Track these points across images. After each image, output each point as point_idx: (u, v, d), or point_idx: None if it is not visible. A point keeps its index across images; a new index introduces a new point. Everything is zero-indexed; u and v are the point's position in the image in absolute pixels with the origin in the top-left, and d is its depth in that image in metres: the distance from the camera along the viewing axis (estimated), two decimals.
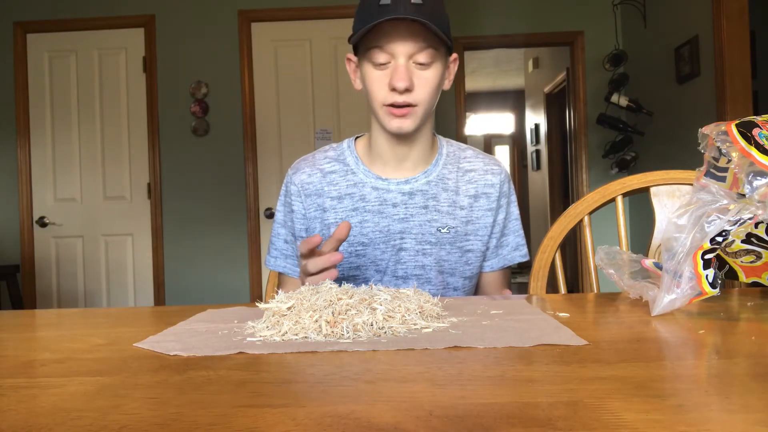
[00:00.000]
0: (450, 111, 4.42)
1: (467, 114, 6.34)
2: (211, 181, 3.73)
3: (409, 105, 0.96)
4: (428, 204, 1.05)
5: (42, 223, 3.73)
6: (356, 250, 1.05)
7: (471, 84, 7.95)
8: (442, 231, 1.05)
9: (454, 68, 1.05)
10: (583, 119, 4.41)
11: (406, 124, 0.97)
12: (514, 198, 1.13)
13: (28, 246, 3.73)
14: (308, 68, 3.68)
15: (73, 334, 0.67)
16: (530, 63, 6.52)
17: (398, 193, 1.05)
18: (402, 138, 1.02)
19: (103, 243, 3.77)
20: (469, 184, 1.08)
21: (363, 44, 0.97)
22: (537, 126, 6.53)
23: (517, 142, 8.79)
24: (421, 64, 0.95)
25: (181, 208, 3.73)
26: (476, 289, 1.15)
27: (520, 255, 1.12)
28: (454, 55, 1.04)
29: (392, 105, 0.96)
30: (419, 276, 1.05)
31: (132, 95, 3.76)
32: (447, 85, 1.04)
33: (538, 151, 6.59)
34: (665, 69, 3.69)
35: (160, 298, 3.74)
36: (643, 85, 4.04)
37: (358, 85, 1.04)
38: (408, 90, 0.94)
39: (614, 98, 4.03)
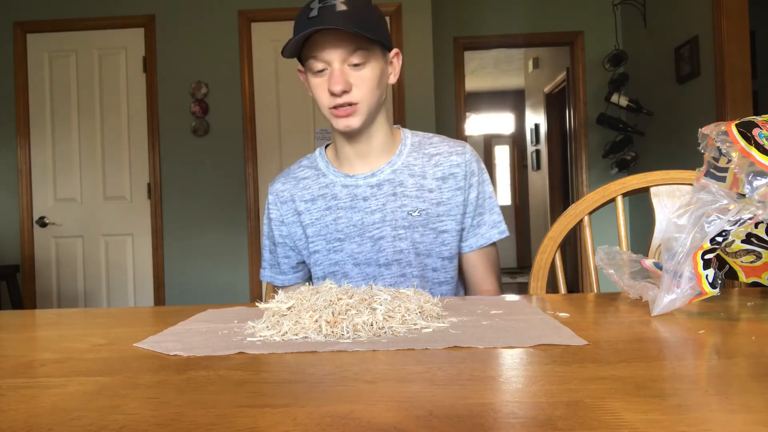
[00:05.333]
0: (450, 111, 4.42)
1: (467, 114, 6.34)
2: (211, 181, 3.73)
3: (350, 104, 1.02)
4: (396, 191, 1.09)
5: (42, 223, 3.73)
6: (333, 247, 1.11)
7: (471, 84, 7.94)
8: (413, 214, 1.09)
9: (397, 62, 1.11)
10: (583, 119, 4.41)
11: (353, 122, 1.03)
12: (485, 177, 1.14)
13: (28, 246, 3.73)
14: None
15: (73, 334, 0.67)
16: (530, 63, 6.52)
17: (367, 186, 1.10)
18: (355, 135, 1.07)
19: (103, 243, 3.77)
20: (435, 168, 1.11)
21: (303, 56, 1.04)
22: (537, 126, 6.53)
23: (517, 142, 8.79)
24: (355, 65, 1.01)
25: (181, 208, 3.73)
26: (459, 272, 1.16)
27: (499, 232, 1.14)
28: (395, 51, 1.09)
29: (335, 107, 1.02)
30: (399, 261, 1.09)
31: (132, 95, 3.76)
32: (393, 79, 1.10)
33: (538, 151, 6.59)
34: (665, 69, 3.69)
35: (160, 298, 3.74)
36: (643, 85, 4.05)
37: (311, 93, 1.09)
38: (345, 91, 1.00)
39: (614, 98, 4.04)
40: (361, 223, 1.09)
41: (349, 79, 1.00)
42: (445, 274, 1.12)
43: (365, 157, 1.10)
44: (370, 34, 0.97)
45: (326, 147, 1.18)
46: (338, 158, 1.13)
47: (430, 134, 1.17)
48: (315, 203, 1.12)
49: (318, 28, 0.95)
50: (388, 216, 1.09)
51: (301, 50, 1.03)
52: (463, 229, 1.12)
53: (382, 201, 1.09)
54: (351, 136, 1.07)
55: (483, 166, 1.15)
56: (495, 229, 1.13)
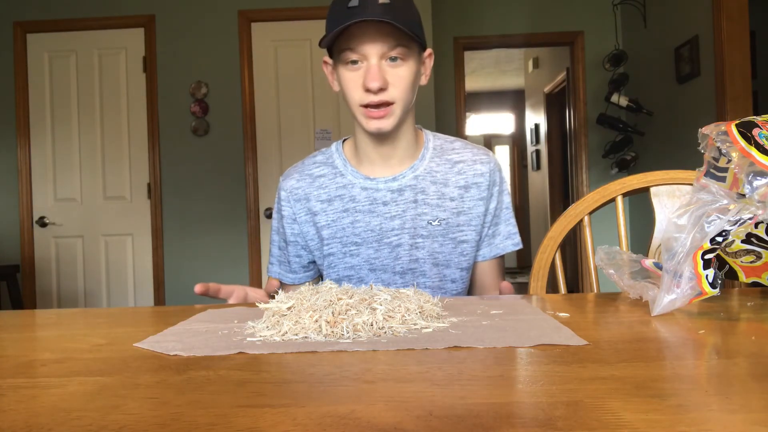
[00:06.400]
0: (450, 111, 4.42)
1: (467, 114, 6.34)
2: (211, 181, 3.73)
3: (385, 104, 0.97)
4: (417, 198, 1.06)
5: (42, 223, 3.73)
6: (350, 251, 1.07)
7: (471, 84, 7.94)
8: (433, 223, 1.06)
9: (429, 63, 1.06)
10: (583, 119, 4.41)
11: (385, 124, 0.98)
12: (505, 187, 1.12)
13: (28, 246, 3.73)
14: (308, 68, 3.68)
15: (73, 334, 0.67)
16: (530, 63, 6.52)
17: (387, 191, 1.06)
18: (383, 137, 1.03)
19: (103, 243, 3.77)
20: (458, 176, 1.08)
21: (336, 47, 0.98)
22: (537, 126, 6.53)
23: (517, 142, 8.79)
24: (393, 62, 0.96)
25: (181, 208, 3.73)
26: (470, 280, 1.15)
27: (513, 243, 1.11)
28: (429, 51, 1.05)
29: (368, 105, 0.97)
30: (414, 270, 1.06)
31: (132, 95, 3.76)
32: (424, 80, 1.06)
33: (538, 151, 6.59)
34: (665, 69, 3.69)
35: (160, 298, 3.74)
36: (643, 85, 4.05)
37: (336, 87, 1.05)
38: (382, 89, 0.95)
39: (614, 98, 4.04)
40: (379, 229, 1.06)
41: (386, 76, 0.95)
42: (462, 284, 1.10)
43: (388, 160, 1.06)
44: (413, 30, 0.93)
45: (343, 142, 1.13)
46: (358, 157, 1.08)
47: (451, 138, 1.13)
48: (332, 204, 1.08)
49: (363, 18, 0.90)
50: (407, 224, 1.05)
51: (333, 41, 0.97)
52: (480, 239, 1.10)
53: (403, 207, 1.05)
54: (378, 137, 1.03)
55: (504, 175, 1.12)
56: (509, 240, 1.11)
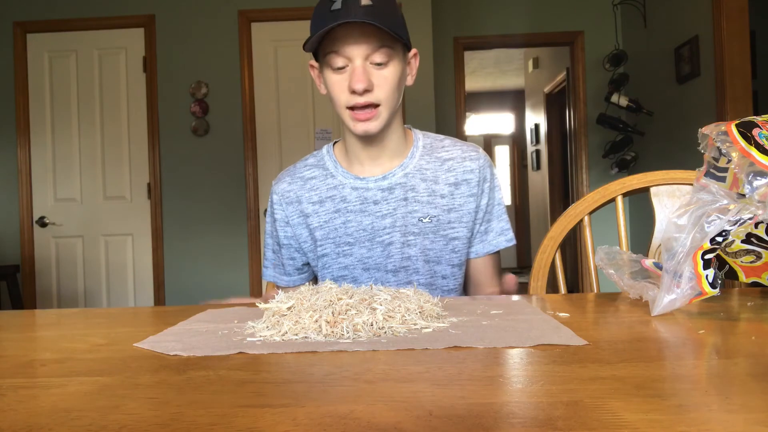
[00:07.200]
0: (450, 111, 4.42)
1: (467, 114, 6.34)
2: (211, 181, 3.73)
3: (371, 105, 0.98)
4: (407, 196, 1.06)
5: (42, 223, 3.73)
6: (343, 251, 1.08)
7: (471, 84, 7.94)
8: (424, 221, 1.06)
9: (415, 63, 1.07)
10: (583, 119, 4.41)
11: (372, 126, 0.99)
12: (497, 183, 1.12)
13: (28, 246, 3.73)
14: (308, 68, 3.67)
15: (73, 334, 0.67)
16: (530, 63, 6.52)
17: (377, 190, 1.07)
18: (371, 138, 1.03)
19: (103, 243, 3.77)
20: (448, 173, 1.08)
21: (321, 50, 0.99)
22: (537, 126, 6.53)
23: (517, 142, 8.79)
24: (378, 64, 0.97)
25: (181, 208, 3.73)
26: (465, 277, 1.15)
27: (506, 240, 1.11)
28: (414, 51, 1.06)
29: (354, 107, 0.98)
30: (407, 267, 1.07)
31: (132, 95, 3.76)
32: (410, 81, 1.07)
33: (538, 151, 6.59)
34: (665, 69, 3.69)
35: (160, 298, 3.74)
36: (643, 85, 4.05)
37: (323, 90, 1.06)
38: (368, 90, 0.96)
39: (614, 98, 4.04)
40: (371, 228, 1.06)
41: (371, 78, 0.96)
42: (454, 281, 1.10)
43: (377, 159, 1.07)
44: (396, 31, 0.94)
45: (333, 144, 1.14)
46: (348, 158, 1.09)
47: (441, 136, 1.14)
48: (323, 205, 1.09)
49: (345, 21, 0.91)
50: (398, 222, 1.06)
51: (318, 44, 0.98)
52: (471, 236, 1.10)
53: (393, 206, 1.06)
54: (366, 139, 1.04)
55: (495, 171, 1.12)
56: (502, 236, 1.11)
